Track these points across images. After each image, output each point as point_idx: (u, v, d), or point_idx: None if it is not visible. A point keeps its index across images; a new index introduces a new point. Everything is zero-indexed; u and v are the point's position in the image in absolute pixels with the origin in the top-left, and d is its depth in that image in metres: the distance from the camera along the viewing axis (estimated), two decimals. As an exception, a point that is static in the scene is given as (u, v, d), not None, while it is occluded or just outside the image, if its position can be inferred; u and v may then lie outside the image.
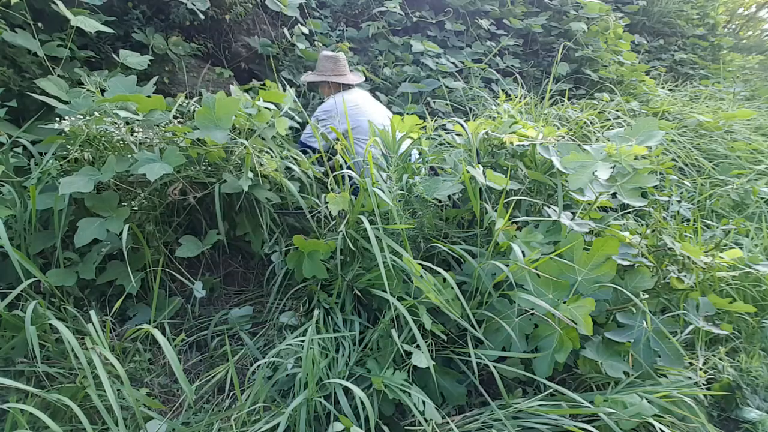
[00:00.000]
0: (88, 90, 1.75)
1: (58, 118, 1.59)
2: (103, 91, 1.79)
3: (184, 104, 1.91)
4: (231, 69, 2.76)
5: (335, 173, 1.78)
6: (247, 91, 2.40)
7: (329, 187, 1.77)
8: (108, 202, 1.61)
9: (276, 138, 1.97)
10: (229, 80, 2.71)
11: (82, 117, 1.60)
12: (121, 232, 1.52)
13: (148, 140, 1.65)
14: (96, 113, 1.61)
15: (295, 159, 1.97)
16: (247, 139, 1.76)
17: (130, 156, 1.60)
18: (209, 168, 1.79)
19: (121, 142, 1.61)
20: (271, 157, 1.84)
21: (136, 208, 1.61)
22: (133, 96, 1.66)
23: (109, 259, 1.71)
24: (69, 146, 1.60)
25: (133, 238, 1.66)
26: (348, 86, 2.49)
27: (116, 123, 1.61)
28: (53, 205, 1.54)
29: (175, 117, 1.80)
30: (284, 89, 2.25)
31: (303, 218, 1.90)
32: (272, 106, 1.88)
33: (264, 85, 2.37)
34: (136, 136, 1.63)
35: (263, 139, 1.85)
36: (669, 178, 2.41)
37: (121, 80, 1.81)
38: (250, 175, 1.69)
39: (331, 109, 2.33)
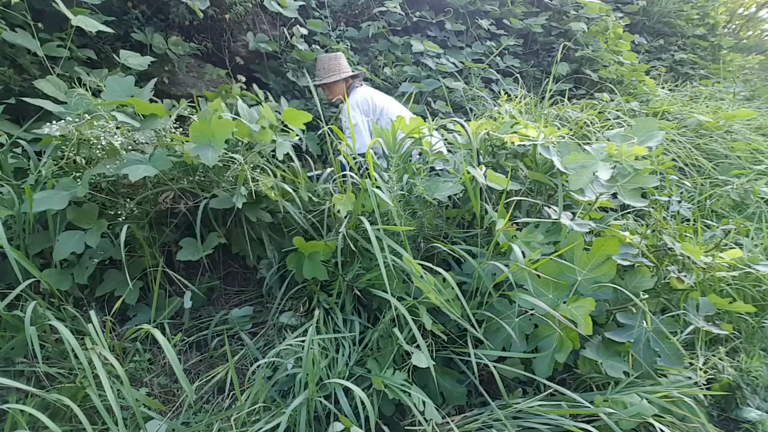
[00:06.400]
0: (79, 92, 1.69)
1: (48, 123, 1.53)
2: (100, 91, 1.76)
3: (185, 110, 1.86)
4: (230, 69, 2.75)
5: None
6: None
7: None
8: (88, 214, 1.57)
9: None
10: (226, 78, 2.71)
11: (73, 120, 1.55)
12: (118, 235, 1.51)
13: (140, 147, 1.61)
14: (88, 116, 1.56)
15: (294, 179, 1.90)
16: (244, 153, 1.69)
17: (106, 163, 1.52)
18: (204, 179, 1.74)
19: (109, 146, 1.55)
20: (268, 175, 1.78)
21: (123, 218, 1.58)
22: (132, 100, 1.61)
23: (110, 263, 1.69)
24: (64, 147, 1.58)
25: (132, 241, 1.66)
26: (356, 77, 2.55)
27: (105, 127, 1.55)
28: (46, 209, 1.50)
29: (175, 126, 1.76)
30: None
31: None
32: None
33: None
34: (130, 141, 1.59)
35: (262, 155, 1.78)
36: (669, 178, 2.41)
37: (118, 81, 1.70)
38: (244, 192, 1.63)
39: (362, 102, 2.38)
